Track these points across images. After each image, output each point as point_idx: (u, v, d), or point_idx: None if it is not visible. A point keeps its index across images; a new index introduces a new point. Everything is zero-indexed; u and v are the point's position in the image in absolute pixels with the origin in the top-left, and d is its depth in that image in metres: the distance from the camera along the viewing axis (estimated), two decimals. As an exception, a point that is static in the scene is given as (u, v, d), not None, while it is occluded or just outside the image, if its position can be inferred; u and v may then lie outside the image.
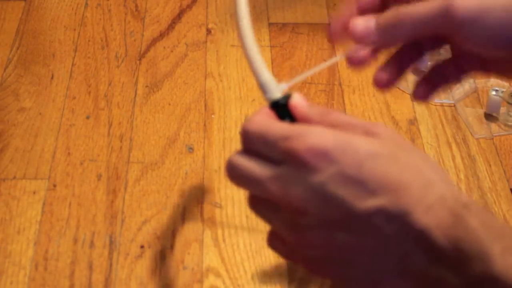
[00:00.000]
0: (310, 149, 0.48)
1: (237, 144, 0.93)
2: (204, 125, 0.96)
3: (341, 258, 0.50)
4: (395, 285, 0.50)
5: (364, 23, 0.60)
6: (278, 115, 0.54)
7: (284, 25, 1.12)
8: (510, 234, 0.48)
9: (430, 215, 0.48)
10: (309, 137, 0.48)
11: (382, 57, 0.62)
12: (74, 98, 0.99)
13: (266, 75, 0.60)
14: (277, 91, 0.57)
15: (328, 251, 0.50)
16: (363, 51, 0.62)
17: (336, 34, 0.63)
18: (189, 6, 1.15)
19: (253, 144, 0.51)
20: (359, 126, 0.52)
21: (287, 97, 0.55)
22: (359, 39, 0.60)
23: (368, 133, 0.51)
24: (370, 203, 0.48)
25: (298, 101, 0.55)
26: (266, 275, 0.79)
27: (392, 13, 0.59)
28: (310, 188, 0.48)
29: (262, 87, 0.59)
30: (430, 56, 1.05)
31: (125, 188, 0.87)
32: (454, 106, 0.99)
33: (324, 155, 0.48)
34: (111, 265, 0.79)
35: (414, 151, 0.52)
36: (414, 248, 0.49)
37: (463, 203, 0.49)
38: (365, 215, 0.48)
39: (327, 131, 0.49)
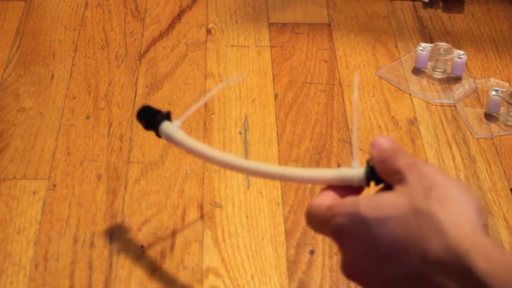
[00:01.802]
0: (334, 232, 0.59)
1: (237, 144, 0.93)
2: (204, 125, 0.96)
3: None
4: None
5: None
6: (376, 183, 0.63)
7: (284, 25, 1.12)
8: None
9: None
10: (333, 220, 0.59)
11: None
12: (74, 98, 0.99)
13: (332, 173, 0.65)
14: (355, 172, 0.64)
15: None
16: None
17: None
18: (189, 6, 1.15)
19: (310, 222, 0.63)
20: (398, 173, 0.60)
21: (365, 173, 0.63)
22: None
23: (398, 181, 0.59)
24: (390, 269, 0.57)
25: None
26: (266, 275, 0.79)
27: None
28: (346, 264, 0.60)
29: (344, 181, 0.64)
30: (431, 56, 1.06)
31: (125, 188, 0.87)
32: (454, 106, 0.99)
33: (344, 235, 0.59)
34: (111, 265, 0.79)
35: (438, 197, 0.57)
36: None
37: (464, 249, 0.52)
38: (393, 278, 0.57)
39: (344, 210, 0.59)
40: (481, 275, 0.50)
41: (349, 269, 0.60)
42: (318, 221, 0.62)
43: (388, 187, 0.60)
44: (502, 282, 0.50)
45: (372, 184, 0.62)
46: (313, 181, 0.67)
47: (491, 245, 0.52)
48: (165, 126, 0.74)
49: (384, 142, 0.63)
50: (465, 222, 0.55)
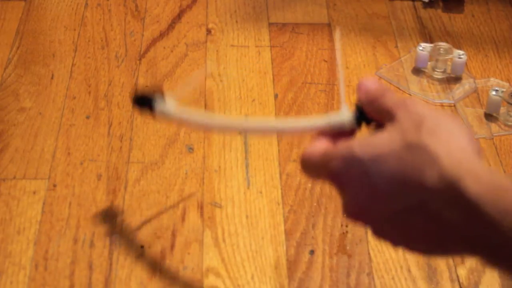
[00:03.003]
0: (332, 177, 0.61)
1: (237, 144, 0.93)
2: (204, 125, 0.96)
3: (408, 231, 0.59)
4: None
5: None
6: (367, 123, 0.64)
7: (284, 25, 1.12)
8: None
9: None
10: (329, 165, 0.61)
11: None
12: (74, 98, 0.99)
13: (324, 120, 0.66)
14: (344, 115, 0.65)
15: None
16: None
17: None
18: (189, 6, 1.15)
19: (306, 170, 0.63)
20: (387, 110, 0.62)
21: (354, 115, 0.64)
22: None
23: (389, 120, 0.60)
24: (390, 205, 0.58)
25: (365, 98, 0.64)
26: (266, 275, 0.79)
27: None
28: (347, 206, 0.61)
29: (335, 126, 0.66)
30: (431, 56, 1.06)
31: (125, 188, 0.87)
32: (454, 106, 0.99)
33: (341, 178, 0.60)
34: (111, 265, 0.79)
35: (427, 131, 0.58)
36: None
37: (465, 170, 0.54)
38: (394, 214, 0.58)
39: (339, 153, 0.60)
40: (473, 198, 0.53)
41: (351, 211, 0.61)
42: (314, 168, 0.63)
43: (380, 128, 0.62)
44: (492, 201, 0.52)
45: (364, 126, 0.64)
46: (305, 130, 0.68)
47: (482, 170, 0.55)
48: (160, 107, 0.73)
49: (370, 83, 0.64)
50: (457, 150, 0.57)
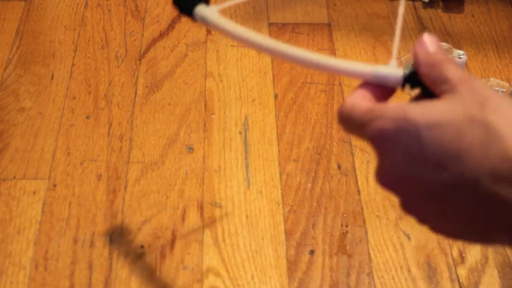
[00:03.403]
0: (376, 137, 0.55)
1: (237, 144, 0.93)
2: (204, 125, 0.96)
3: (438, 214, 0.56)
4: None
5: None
6: (412, 86, 0.59)
7: (284, 25, 1.12)
8: None
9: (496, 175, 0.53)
10: (375, 123, 0.55)
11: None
12: (74, 98, 0.99)
13: (369, 68, 0.62)
14: (393, 70, 0.60)
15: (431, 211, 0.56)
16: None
17: None
18: (189, 6, 1.15)
19: (344, 123, 0.59)
20: (449, 81, 0.57)
21: (406, 74, 0.59)
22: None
23: (447, 90, 0.56)
24: (437, 177, 0.54)
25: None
26: (266, 275, 0.79)
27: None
28: (384, 171, 0.56)
29: (379, 78, 0.61)
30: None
31: (125, 188, 0.87)
32: (454, 106, 0.99)
33: (387, 139, 0.55)
34: (111, 265, 0.79)
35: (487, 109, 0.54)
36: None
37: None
38: (438, 188, 0.54)
39: (390, 113, 0.55)
40: None
41: (386, 177, 0.57)
42: (354, 123, 0.57)
43: (426, 97, 0.57)
44: None
45: (407, 89, 0.59)
46: (346, 73, 0.64)
47: None
48: (201, 9, 0.69)
49: (431, 43, 0.60)
50: None
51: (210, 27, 0.70)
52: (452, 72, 0.57)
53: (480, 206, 0.54)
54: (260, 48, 0.67)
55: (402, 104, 0.56)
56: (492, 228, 0.54)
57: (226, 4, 0.70)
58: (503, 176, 0.52)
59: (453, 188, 0.54)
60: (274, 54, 0.66)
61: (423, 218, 0.57)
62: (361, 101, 0.59)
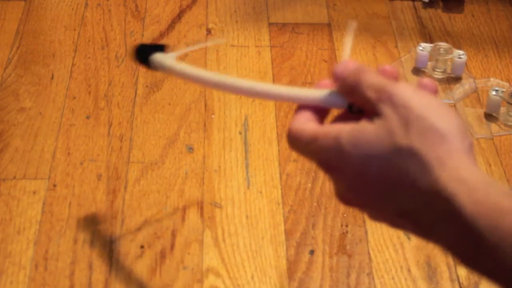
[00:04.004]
0: (321, 164, 0.59)
1: (237, 144, 0.93)
2: (204, 125, 0.96)
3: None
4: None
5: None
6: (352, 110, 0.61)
7: (284, 25, 1.12)
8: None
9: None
10: (318, 154, 0.59)
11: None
12: (74, 98, 0.99)
13: (317, 95, 0.64)
14: (336, 98, 0.62)
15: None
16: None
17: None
18: (189, 6, 1.15)
19: (293, 147, 0.61)
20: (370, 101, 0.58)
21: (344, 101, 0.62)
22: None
23: (373, 112, 0.57)
24: (377, 203, 0.57)
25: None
26: (266, 275, 0.79)
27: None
28: (340, 192, 0.59)
29: (325, 104, 0.64)
30: (431, 56, 1.06)
31: (125, 188, 0.87)
32: (454, 106, 0.99)
33: (330, 167, 0.59)
34: (111, 265, 0.79)
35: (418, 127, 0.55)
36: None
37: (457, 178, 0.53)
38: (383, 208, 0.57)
39: (328, 142, 0.58)
40: (469, 219, 0.51)
41: (342, 198, 0.59)
42: (302, 149, 0.60)
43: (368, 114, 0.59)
44: (489, 225, 0.50)
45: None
46: (296, 100, 0.66)
47: (478, 180, 0.53)
48: (157, 56, 0.74)
49: (343, 69, 0.63)
50: (449, 153, 0.54)
51: (168, 72, 0.74)
52: (369, 91, 0.58)
53: (422, 235, 0.55)
54: (218, 86, 0.71)
55: (338, 132, 0.57)
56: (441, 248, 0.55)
57: (181, 51, 0.76)
58: (435, 212, 0.53)
59: (397, 214, 0.56)
60: (234, 90, 0.70)
61: (391, 226, 0.59)
62: (306, 124, 0.61)
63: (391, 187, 0.55)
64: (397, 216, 0.56)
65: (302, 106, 0.63)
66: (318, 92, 0.63)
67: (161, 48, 0.76)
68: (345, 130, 0.58)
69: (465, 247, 0.52)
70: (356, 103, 0.60)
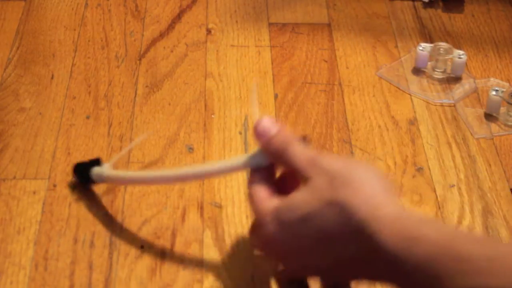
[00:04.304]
0: (265, 242, 0.69)
1: (237, 144, 0.93)
2: (204, 125, 0.96)
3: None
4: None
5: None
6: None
7: (284, 25, 1.12)
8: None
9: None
10: (261, 229, 0.68)
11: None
12: (74, 98, 0.99)
13: (242, 161, 0.73)
14: (260, 158, 0.72)
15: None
16: None
17: None
18: (189, 6, 1.15)
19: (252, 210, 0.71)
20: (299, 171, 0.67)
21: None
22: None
23: (302, 178, 0.65)
24: (319, 262, 0.65)
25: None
26: (266, 276, 0.79)
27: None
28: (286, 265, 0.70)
29: (252, 166, 0.72)
30: (431, 56, 1.06)
31: (125, 188, 0.87)
32: (454, 106, 0.99)
33: (273, 243, 0.68)
34: (111, 265, 0.79)
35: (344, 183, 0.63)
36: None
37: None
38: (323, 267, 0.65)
39: (270, 218, 0.67)
40: (388, 252, 0.57)
41: (291, 273, 0.67)
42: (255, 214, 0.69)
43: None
44: (405, 254, 0.57)
45: None
46: (222, 173, 0.75)
47: (394, 218, 0.59)
48: (95, 170, 0.82)
49: (269, 129, 0.69)
50: (370, 198, 0.60)
51: (108, 182, 0.81)
52: (297, 160, 0.66)
53: (362, 275, 0.63)
54: (153, 182, 0.81)
55: (275, 209, 0.66)
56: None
57: (115, 158, 0.84)
58: (363, 252, 0.59)
59: (336, 264, 0.63)
60: (167, 182, 0.80)
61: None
62: (258, 191, 0.69)
63: (327, 240, 0.62)
64: (339, 268, 0.62)
65: (253, 174, 0.71)
66: (241, 159, 0.71)
67: (96, 162, 0.83)
68: (281, 203, 0.66)
69: (395, 278, 0.58)
70: (284, 167, 0.69)
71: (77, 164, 0.85)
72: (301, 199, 0.64)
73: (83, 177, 0.84)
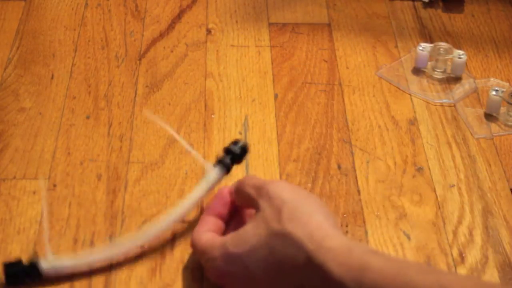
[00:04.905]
0: (215, 275, 0.71)
1: (237, 144, 0.93)
2: (204, 125, 0.96)
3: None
4: None
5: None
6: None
7: (284, 25, 1.12)
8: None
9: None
10: (210, 264, 0.71)
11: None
12: (74, 98, 0.99)
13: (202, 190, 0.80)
14: (217, 172, 0.81)
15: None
16: None
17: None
18: (189, 6, 1.15)
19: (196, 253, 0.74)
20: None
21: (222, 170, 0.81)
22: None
23: (255, 207, 0.68)
24: None
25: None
26: (266, 275, 0.79)
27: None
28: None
29: (213, 185, 0.80)
30: (431, 56, 1.06)
31: (125, 188, 0.87)
32: (454, 106, 0.99)
33: (223, 276, 0.71)
34: (111, 265, 0.79)
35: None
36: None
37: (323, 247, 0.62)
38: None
39: (216, 253, 0.69)
40: (338, 280, 0.59)
41: None
42: (199, 256, 0.72)
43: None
44: (354, 282, 0.59)
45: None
46: (194, 205, 0.79)
47: (340, 248, 0.61)
48: (45, 264, 0.74)
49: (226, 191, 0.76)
50: (317, 230, 0.63)
51: (63, 272, 0.76)
52: (251, 190, 0.69)
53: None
54: (107, 260, 0.77)
55: (223, 241, 0.68)
56: None
57: (48, 251, 0.75)
58: (313, 279, 0.61)
59: None
60: (121, 254, 0.78)
61: None
62: (202, 233, 0.72)
63: (276, 271, 0.63)
64: None
65: (206, 213, 0.74)
66: (203, 183, 0.79)
67: (33, 266, 0.75)
68: (229, 236, 0.68)
69: None
70: (240, 203, 0.72)
71: (10, 266, 0.75)
72: (250, 230, 0.66)
73: (23, 278, 0.75)
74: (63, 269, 0.75)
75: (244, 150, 0.81)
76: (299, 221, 0.64)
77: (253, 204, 0.69)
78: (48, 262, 0.75)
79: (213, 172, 0.79)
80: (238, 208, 0.77)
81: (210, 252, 0.69)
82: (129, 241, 0.77)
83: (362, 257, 0.61)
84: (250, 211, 0.75)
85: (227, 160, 0.80)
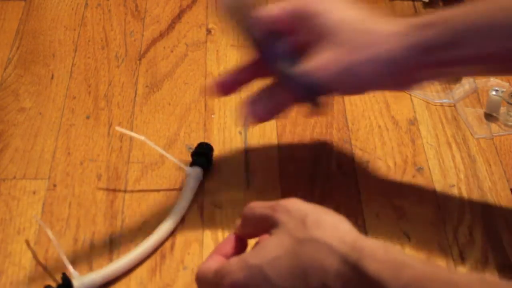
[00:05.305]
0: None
1: (237, 144, 0.93)
2: (204, 125, 0.96)
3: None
4: None
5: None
6: None
7: (284, 25, 1.12)
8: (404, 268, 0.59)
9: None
10: (226, 280, 0.64)
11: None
12: (74, 98, 0.99)
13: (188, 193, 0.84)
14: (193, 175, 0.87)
15: None
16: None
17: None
18: (189, 6, 1.15)
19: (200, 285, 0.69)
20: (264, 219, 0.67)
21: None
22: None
23: (273, 224, 0.65)
24: None
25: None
26: (266, 275, 0.79)
27: None
28: None
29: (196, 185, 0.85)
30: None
31: (125, 188, 0.87)
32: (454, 106, 0.99)
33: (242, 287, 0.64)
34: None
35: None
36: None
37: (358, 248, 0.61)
38: None
39: (235, 267, 0.64)
40: (375, 276, 0.58)
41: None
42: (209, 286, 0.66)
43: None
44: (392, 277, 0.58)
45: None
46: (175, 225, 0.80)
47: (375, 247, 0.61)
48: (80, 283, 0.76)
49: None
50: (346, 234, 0.62)
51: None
52: (262, 209, 0.67)
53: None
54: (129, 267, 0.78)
55: (241, 255, 0.65)
56: None
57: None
58: (346, 280, 0.60)
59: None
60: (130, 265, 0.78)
61: None
62: (212, 264, 0.67)
63: (302, 277, 0.62)
64: None
65: (213, 252, 0.71)
66: (185, 189, 0.83)
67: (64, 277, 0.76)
68: (248, 251, 0.67)
69: None
70: (251, 231, 0.69)
71: None
72: (270, 243, 0.64)
73: None
74: (93, 286, 0.76)
75: (208, 148, 0.89)
76: (326, 228, 0.63)
77: (268, 224, 0.66)
78: (79, 281, 0.75)
79: (193, 171, 0.85)
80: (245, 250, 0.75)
81: (226, 268, 0.65)
82: (148, 243, 0.79)
83: (398, 256, 0.60)
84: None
85: (200, 158, 0.87)
